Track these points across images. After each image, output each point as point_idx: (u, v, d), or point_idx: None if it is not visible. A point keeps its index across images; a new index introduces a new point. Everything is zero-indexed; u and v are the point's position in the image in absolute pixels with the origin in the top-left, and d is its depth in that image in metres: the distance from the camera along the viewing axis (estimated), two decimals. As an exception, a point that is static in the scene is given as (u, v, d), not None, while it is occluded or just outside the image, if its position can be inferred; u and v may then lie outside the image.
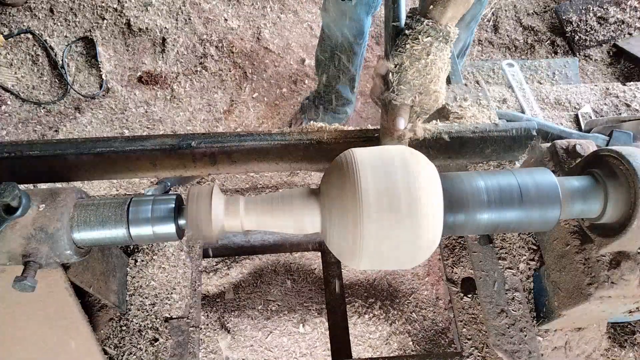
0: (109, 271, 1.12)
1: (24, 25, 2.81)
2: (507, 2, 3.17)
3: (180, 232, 0.89)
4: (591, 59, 2.97)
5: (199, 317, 1.24)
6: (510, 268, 1.17)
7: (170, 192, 1.37)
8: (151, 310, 1.19)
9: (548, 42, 3.05)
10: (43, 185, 1.26)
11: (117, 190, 2.22)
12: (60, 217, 0.84)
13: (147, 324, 1.17)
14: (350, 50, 2.14)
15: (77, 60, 2.80)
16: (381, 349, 2.08)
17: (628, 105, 1.56)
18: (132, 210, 0.86)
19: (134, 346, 1.14)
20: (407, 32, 1.00)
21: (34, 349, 1.06)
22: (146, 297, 1.20)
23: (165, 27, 2.89)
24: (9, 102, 2.66)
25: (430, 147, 1.16)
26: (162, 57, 2.84)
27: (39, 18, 2.85)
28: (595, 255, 0.96)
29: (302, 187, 0.90)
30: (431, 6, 1.00)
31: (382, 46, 2.86)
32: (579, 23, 2.99)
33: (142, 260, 1.24)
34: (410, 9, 1.03)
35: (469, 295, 1.26)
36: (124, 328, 1.17)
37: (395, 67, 1.00)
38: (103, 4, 2.89)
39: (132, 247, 1.26)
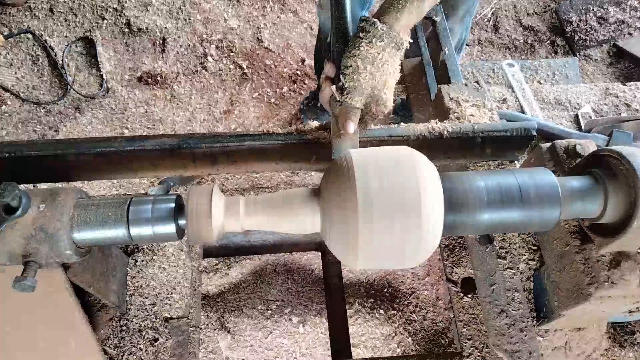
0: (109, 271, 1.12)
1: (24, 25, 2.81)
2: (507, 2, 3.17)
3: (180, 232, 0.89)
4: (591, 59, 2.97)
5: (199, 317, 1.24)
6: (510, 268, 1.17)
7: (170, 192, 1.37)
8: (151, 310, 1.19)
9: (548, 42, 3.05)
10: (43, 185, 1.26)
11: (117, 190, 2.22)
12: (60, 217, 0.84)
13: (147, 324, 1.17)
14: None
15: (77, 60, 2.80)
16: (381, 349, 2.08)
17: (628, 105, 1.56)
18: (132, 210, 0.86)
19: (134, 346, 1.15)
20: (361, 35, 1.00)
21: (34, 349, 1.06)
22: (146, 297, 1.20)
23: (165, 27, 2.89)
24: (9, 102, 2.66)
25: (430, 147, 1.16)
26: (162, 57, 2.84)
27: (39, 18, 2.85)
28: (595, 255, 0.96)
29: (302, 188, 0.90)
30: (385, 12, 1.00)
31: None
32: (579, 23, 2.99)
33: (142, 260, 1.24)
34: (361, 17, 1.03)
35: (469, 295, 1.27)
36: (124, 328, 1.17)
37: (348, 69, 1.00)
38: (103, 4, 2.89)
39: (132, 247, 1.26)
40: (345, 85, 1.01)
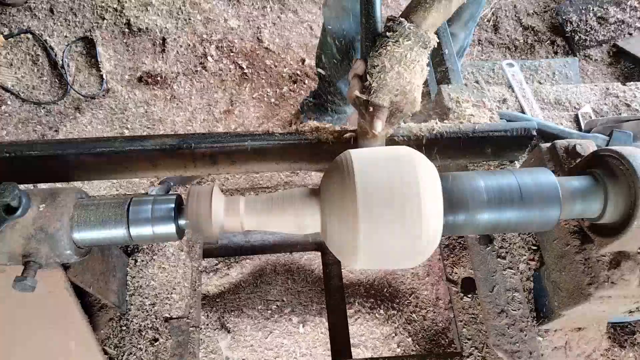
0: (109, 271, 1.12)
1: (24, 25, 2.81)
2: (507, 2, 3.17)
3: (180, 232, 0.89)
4: (591, 59, 2.97)
5: (199, 317, 1.24)
6: (510, 268, 1.17)
7: (170, 192, 1.37)
8: (151, 310, 1.19)
9: (548, 42, 3.04)
10: (43, 185, 1.26)
11: (117, 190, 2.22)
12: (60, 217, 0.84)
13: (147, 324, 1.17)
14: (351, 48, 2.13)
15: (77, 60, 2.80)
16: (381, 349, 2.08)
17: (628, 105, 1.56)
18: (132, 210, 0.86)
19: (134, 346, 1.15)
20: (388, 34, 1.00)
21: (34, 349, 1.06)
22: (146, 297, 1.20)
23: (165, 27, 2.89)
24: (9, 102, 2.66)
25: (430, 147, 1.16)
26: (162, 57, 2.84)
27: (39, 18, 2.85)
28: (595, 255, 0.96)
29: (302, 187, 0.90)
30: (413, 11, 1.00)
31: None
32: (579, 23, 2.99)
33: (142, 260, 1.24)
34: (388, 16, 1.03)
35: (469, 295, 1.27)
36: (124, 328, 1.17)
37: (375, 68, 1.00)
38: (103, 4, 2.89)
39: (132, 247, 1.26)
40: (373, 85, 1.00)
